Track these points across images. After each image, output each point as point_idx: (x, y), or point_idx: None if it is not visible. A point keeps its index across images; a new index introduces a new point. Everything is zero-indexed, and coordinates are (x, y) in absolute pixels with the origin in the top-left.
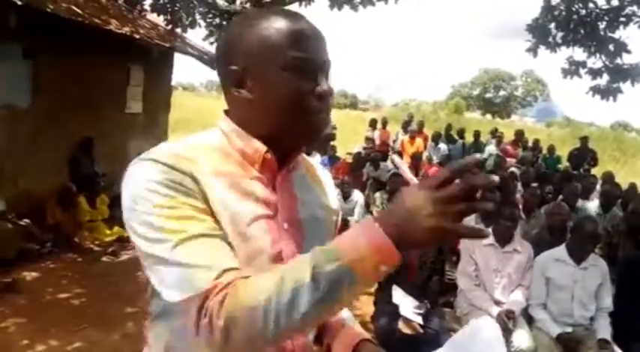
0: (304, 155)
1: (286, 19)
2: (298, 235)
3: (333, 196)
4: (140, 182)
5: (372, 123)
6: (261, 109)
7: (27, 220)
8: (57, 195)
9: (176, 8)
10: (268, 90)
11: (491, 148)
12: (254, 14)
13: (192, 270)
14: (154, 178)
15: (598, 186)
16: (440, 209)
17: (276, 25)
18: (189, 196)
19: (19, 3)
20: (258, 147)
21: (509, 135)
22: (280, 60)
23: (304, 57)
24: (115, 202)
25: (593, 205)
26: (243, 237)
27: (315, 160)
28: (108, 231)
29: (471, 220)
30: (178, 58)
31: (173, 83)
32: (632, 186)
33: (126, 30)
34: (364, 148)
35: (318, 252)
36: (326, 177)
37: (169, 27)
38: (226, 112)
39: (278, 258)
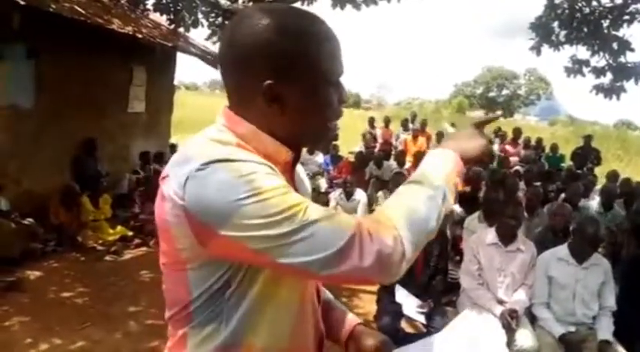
0: None
1: (311, 22)
2: None
3: (306, 179)
4: (230, 180)
5: (371, 122)
6: (288, 120)
7: (30, 219)
8: (60, 194)
9: (179, 8)
10: (305, 104)
11: (495, 148)
12: (270, 12)
13: (334, 219)
14: (241, 172)
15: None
16: (483, 133)
17: (307, 30)
18: (277, 176)
19: (22, 3)
20: (284, 150)
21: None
22: (318, 73)
23: (338, 69)
24: (118, 202)
25: (594, 204)
26: None
27: (317, 158)
28: (111, 231)
29: (474, 219)
30: (181, 58)
31: (176, 82)
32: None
33: (128, 29)
34: (367, 148)
35: (420, 176)
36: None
37: (172, 26)
38: (234, 110)
39: None
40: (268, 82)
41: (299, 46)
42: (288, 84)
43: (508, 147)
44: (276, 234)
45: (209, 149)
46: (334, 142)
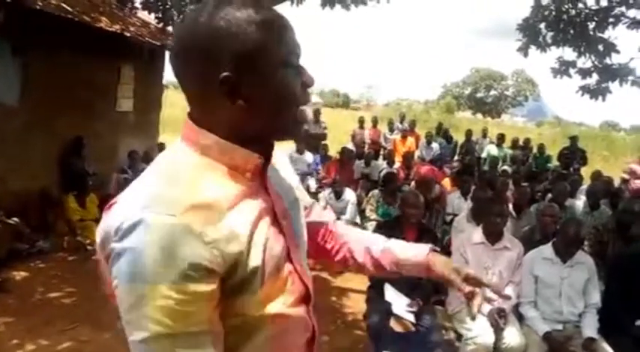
0: None
1: (258, 10)
2: (290, 225)
3: (291, 172)
4: (138, 257)
5: (361, 122)
6: (255, 114)
7: (16, 219)
8: (38, 197)
9: (167, 6)
10: (266, 93)
11: (491, 148)
12: (219, 5)
13: None
14: (153, 255)
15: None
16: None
17: (256, 19)
18: (201, 281)
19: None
20: (251, 157)
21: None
22: (274, 59)
23: (293, 51)
24: (105, 201)
25: (580, 203)
26: (267, 253)
27: (307, 158)
28: None
29: (462, 218)
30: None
31: (164, 81)
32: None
33: (116, 28)
34: (357, 147)
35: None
36: (284, 160)
37: (160, 25)
38: (194, 119)
39: (288, 258)
40: (224, 73)
41: (252, 34)
42: (246, 74)
43: None
44: (124, 315)
45: (141, 200)
46: (323, 142)
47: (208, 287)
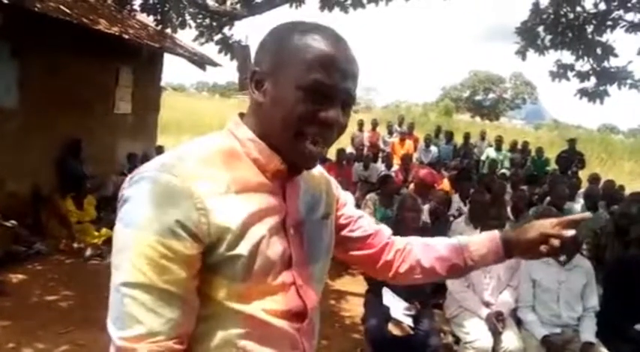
0: None
1: (325, 39)
2: (304, 239)
3: (330, 191)
4: (136, 205)
5: (360, 125)
6: (266, 116)
7: (14, 221)
8: (30, 196)
9: (166, 8)
10: (277, 100)
11: (489, 151)
12: (299, 24)
13: (125, 317)
14: (148, 205)
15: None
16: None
17: (311, 43)
18: (183, 241)
19: (6, 1)
20: (275, 159)
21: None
22: (300, 77)
23: (322, 81)
24: (103, 204)
25: (578, 206)
26: (258, 250)
27: None
28: (96, 233)
29: (460, 222)
30: (169, 59)
31: (163, 84)
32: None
33: (115, 30)
34: (356, 150)
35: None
36: (325, 176)
37: (159, 27)
38: (241, 116)
39: (288, 265)
40: (256, 68)
41: (300, 51)
42: (271, 76)
43: None
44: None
45: (159, 162)
46: None
47: (188, 249)
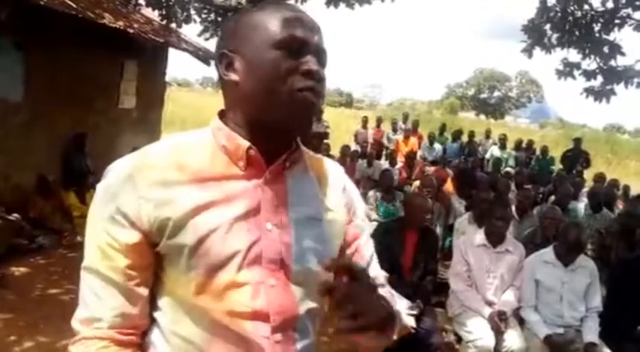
0: (311, 153)
1: (285, 6)
2: (286, 236)
3: (344, 196)
4: (96, 194)
5: (364, 122)
6: (246, 91)
7: (16, 215)
8: (36, 186)
9: (171, 3)
10: (254, 69)
11: (494, 149)
12: (252, 7)
13: (80, 300)
14: (101, 195)
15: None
16: None
17: (274, 11)
18: (123, 228)
19: None
20: (240, 143)
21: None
22: (272, 37)
23: (294, 35)
24: None
25: (582, 206)
26: (206, 241)
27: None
28: None
29: (464, 220)
30: (174, 54)
31: (168, 79)
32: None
33: (120, 24)
34: (360, 147)
35: None
36: (336, 176)
37: (164, 22)
38: (220, 112)
39: (256, 260)
40: (224, 51)
41: (262, 19)
42: (240, 50)
43: None
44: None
45: (137, 151)
46: (325, 141)
47: (128, 238)
